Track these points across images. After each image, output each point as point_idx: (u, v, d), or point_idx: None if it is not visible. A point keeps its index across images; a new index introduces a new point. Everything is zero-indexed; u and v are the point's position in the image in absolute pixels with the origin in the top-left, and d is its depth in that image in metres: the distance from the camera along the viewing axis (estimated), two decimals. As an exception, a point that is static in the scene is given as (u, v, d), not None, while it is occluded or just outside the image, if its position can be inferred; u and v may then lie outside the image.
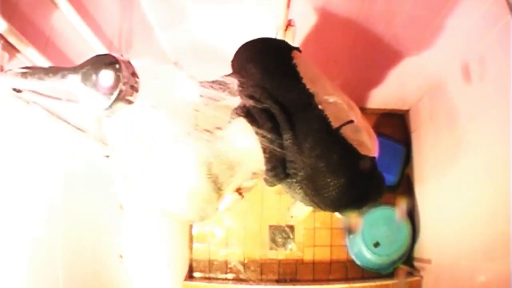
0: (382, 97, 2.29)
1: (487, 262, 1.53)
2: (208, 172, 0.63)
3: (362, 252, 2.13)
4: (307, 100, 0.80)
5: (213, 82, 0.72)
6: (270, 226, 2.36)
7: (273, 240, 2.35)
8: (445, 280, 1.88)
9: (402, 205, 2.15)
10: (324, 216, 2.36)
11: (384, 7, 1.55)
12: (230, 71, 1.00)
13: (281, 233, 2.36)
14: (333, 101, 0.82)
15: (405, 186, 2.34)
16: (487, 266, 1.53)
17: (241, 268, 2.32)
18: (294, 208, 2.29)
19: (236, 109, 0.78)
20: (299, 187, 0.81)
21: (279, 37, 1.38)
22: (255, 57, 0.87)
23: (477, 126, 1.66)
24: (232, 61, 0.92)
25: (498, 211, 1.46)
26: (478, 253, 1.60)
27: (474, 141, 1.68)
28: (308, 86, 0.82)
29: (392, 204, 2.16)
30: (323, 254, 2.35)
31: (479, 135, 1.65)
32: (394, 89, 2.21)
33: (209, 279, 2.31)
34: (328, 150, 0.76)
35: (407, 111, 2.45)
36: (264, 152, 0.74)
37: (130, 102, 0.51)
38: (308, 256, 2.35)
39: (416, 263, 2.21)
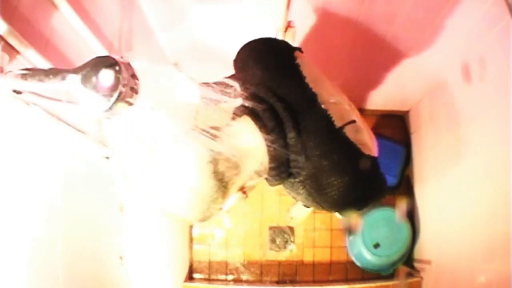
0: (382, 98, 2.29)
1: (487, 263, 1.53)
2: (213, 170, 0.63)
3: (362, 253, 2.13)
4: (311, 99, 0.80)
5: (213, 83, 0.72)
6: (270, 227, 2.36)
7: (273, 241, 2.35)
8: (445, 280, 1.88)
9: (402, 205, 2.15)
10: (324, 217, 2.36)
11: (384, 8, 1.55)
12: (230, 71, 1.01)
13: (281, 234, 2.36)
14: (335, 101, 0.83)
15: (405, 187, 2.34)
16: (487, 267, 1.53)
17: (241, 269, 2.32)
18: (294, 209, 2.29)
19: (239, 107, 0.78)
20: (302, 187, 0.81)
21: (279, 38, 1.39)
22: (259, 56, 0.87)
23: (477, 126, 1.66)
24: (235, 60, 0.92)
25: (498, 211, 1.46)
26: (478, 253, 1.60)
27: (474, 142, 1.68)
28: (311, 86, 0.82)
29: (392, 205, 2.16)
30: (323, 255, 2.35)
31: (479, 136, 1.65)
32: (394, 90, 2.21)
33: (209, 280, 2.31)
34: (332, 149, 0.76)
35: (407, 112, 2.45)
36: (268, 150, 0.74)
37: (130, 103, 0.51)
38: (308, 257, 2.35)
39: (416, 264, 2.21)
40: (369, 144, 0.83)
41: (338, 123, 0.79)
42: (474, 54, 1.64)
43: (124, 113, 0.52)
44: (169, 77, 0.61)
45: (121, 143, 0.59)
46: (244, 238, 2.36)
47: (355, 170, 0.77)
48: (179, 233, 2.21)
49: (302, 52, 0.92)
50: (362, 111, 2.39)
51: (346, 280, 2.31)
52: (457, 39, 1.65)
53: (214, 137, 0.62)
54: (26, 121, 0.79)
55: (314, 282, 2.33)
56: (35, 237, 0.83)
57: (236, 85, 0.78)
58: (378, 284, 2.20)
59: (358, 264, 2.25)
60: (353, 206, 0.83)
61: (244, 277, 2.33)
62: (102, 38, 1.09)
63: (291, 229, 2.36)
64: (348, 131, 0.79)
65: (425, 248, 2.15)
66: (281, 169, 0.77)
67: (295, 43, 1.04)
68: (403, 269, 2.17)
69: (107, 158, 1.11)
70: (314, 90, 0.82)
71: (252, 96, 0.78)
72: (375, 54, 1.87)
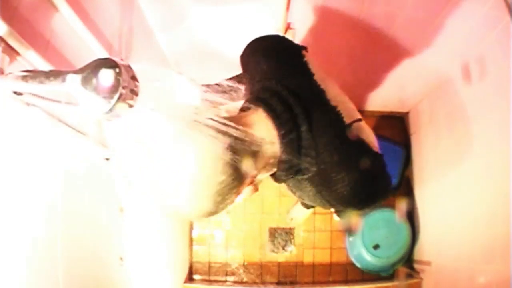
0: (381, 99, 2.30)
1: (487, 264, 1.53)
2: (229, 157, 0.62)
3: (362, 254, 2.13)
4: (320, 95, 0.81)
5: (214, 85, 0.72)
6: (270, 229, 2.36)
7: (273, 243, 2.35)
8: (445, 281, 1.88)
9: (402, 206, 2.15)
10: (324, 218, 2.36)
11: (384, 9, 1.55)
12: (230, 72, 1.01)
13: (281, 236, 2.36)
14: (342, 99, 0.84)
15: (405, 188, 2.34)
16: (487, 268, 1.53)
17: (241, 270, 2.32)
18: (294, 210, 2.29)
19: (248, 101, 0.78)
20: (310, 184, 0.81)
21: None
22: (268, 53, 0.88)
23: (477, 127, 1.67)
24: (241, 56, 0.93)
25: (498, 212, 1.46)
26: (478, 254, 1.60)
27: (474, 142, 1.68)
28: (319, 83, 0.83)
29: (392, 206, 2.16)
30: (323, 257, 2.35)
31: (479, 137, 1.65)
32: (394, 91, 2.21)
33: (209, 281, 2.31)
34: (343, 144, 0.76)
35: (407, 113, 2.45)
36: (282, 142, 0.73)
37: (130, 105, 0.51)
38: (308, 258, 2.35)
39: (416, 265, 2.21)
40: (374, 143, 0.84)
41: (347, 120, 0.80)
42: (474, 55, 1.64)
43: (125, 115, 0.52)
44: (169, 78, 0.61)
45: (121, 145, 0.59)
46: (244, 239, 2.36)
47: (365, 167, 0.77)
48: (179, 234, 2.21)
49: (307, 51, 0.93)
50: (361, 112, 2.38)
51: (346, 281, 2.31)
52: (457, 40, 1.65)
53: (226, 126, 0.62)
54: (26, 122, 0.79)
55: (314, 283, 2.33)
56: (35, 237, 0.84)
57: (236, 86, 0.79)
58: (378, 285, 2.20)
59: (358, 265, 2.25)
60: (362, 204, 0.83)
61: (244, 278, 2.33)
62: (102, 39, 1.09)
63: (291, 230, 2.36)
64: (356, 129, 0.81)
65: (425, 249, 2.15)
66: (293, 163, 0.75)
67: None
68: (403, 270, 2.18)
69: (107, 159, 1.11)
70: (322, 87, 0.82)
71: (264, 90, 0.79)
72: (375, 55, 1.87)
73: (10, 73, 0.63)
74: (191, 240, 2.35)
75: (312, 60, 0.88)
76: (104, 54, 1.07)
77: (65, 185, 0.94)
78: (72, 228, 0.97)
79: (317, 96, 0.81)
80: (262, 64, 0.86)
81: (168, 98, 0.59)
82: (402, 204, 2.16)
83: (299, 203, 2.21)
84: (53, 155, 0.90)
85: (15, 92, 0.70)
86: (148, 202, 1.45)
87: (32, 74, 0.59)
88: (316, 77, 0.84)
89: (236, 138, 0.63)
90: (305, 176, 0.80)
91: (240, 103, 0.80)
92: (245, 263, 2.34)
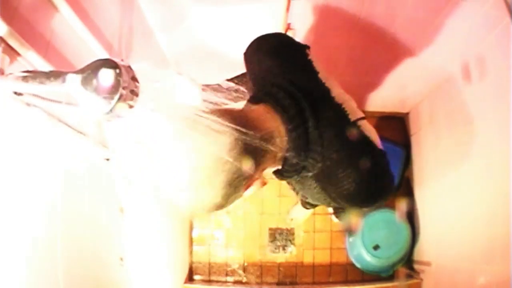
0: (381, 100, 2.30)
1: (487, 264, 1.53)
2: (236, 150, 0.62)
3: (362, 254, 2.13)
4: (325, 93, 0.82)
5: (214, 86, 0.72)
6: (270, 229, 2.36)
7: (273, 243, 2.35)
8: (445, 282, 1.88)
9: (401, 207, 2.15)
10: (324, 218, 2.36)
11: (384, 9, 1.55)
12: (230, 72, 1.01)
13: (281, 236, 2.36)
14: (345, 98, 0.84)
15: (405, 189, 2.34)
16: (487, 268, 1.53)
17: (241, 271, 2.32)
18: (294, 210, 2.30)
19: (255, 96, 0.78)
20: (314, 181, 0.81)
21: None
22: (273, 50, 0.88)
23: (477, 128, 1.67)
24: (245, 54, 0.93)
25: (498, 212, 1.46)
26: (478, 255, 1.60)
27: (474, 143, 1.68)
28: (323, 81, 0.83)
29: (392, 206, 2.16)
30: (323, 257, 2.35)
31: (479, 137, 1.65)
32: (394, 92, 2.21)
33: (209, 281, 2.31)
34: (349, 141, 0.77)
35: (407, 113, 2.45)
36: (290, 136, 0.73)
37: (130, 106, 0.51)
38: (308, 259, 2.35)
39: (416, 266, 2.21)
40: (378, 140, 0.84)
41: (351, 118, 0.80)
42: (474, 55, 1.64)
43: (125, 116, 0.52)
44: (169, 79, 0.61)
45: (122, 145, 0.60)
46: (244, 239, 2.36)
47: (371, 163, 0.77)
48: (179, 234, 2.21)
49: (310, 50, 0.93)
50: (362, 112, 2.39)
51: (346, 282, 2.31)
52: (457, 40, 1.66)
53: (234, 118, 0.62)
54: (26, 122, 0.79)
55: (314, 283, 2.33)
56: (35, 237, 0.84)
57: (237, 86, 0.79)
58: (378, 285, 2.20)
59: (358, 265, 2.25)
60: (368, 200, 0.83)
61: (244, 279, 2.33)
62: (102, 39, 1.09)
63: (291, 230, 2.36)
64: (361, 126, 0.81)
65: (425, 250, 2.15)
66: (299, 158, 0.75)
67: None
68: (403, 271, 2.18)
69: (107, 159, 1.11)
70: (327, 85, 0.83)
71: (271, 85, 0.79)
72: (375, 55, 1.87)
73: (10, 73, 0.63)
74: (191, 240, 2.35)
75: (315, 59, 0.89)
76: (104, 55, 1.07)
77: (65, 185, 0.94)
78: (72, 228, 0.97)
79: (323, 93, 0.82)
80: (267, 61, 0.86)
81: (168, 98, 0.59)
82: (402, 205, 2.16)
83: (299, 204, 2.21)
84: (53, 155, 0.90)
85: (15, 93, 0.70)
86: (151, 201, 1.46)
87: (33, 75, 0.59)
88: (320, 75, 0.84)
89: (243, 131, 0.63)
90: (310, 173, 0.80)
91: (241, 103, 0.80)
92: (245, 264, 2.34)
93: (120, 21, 1.29)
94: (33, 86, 0.58)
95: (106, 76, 0.50)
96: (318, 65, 0.87)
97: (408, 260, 2.21)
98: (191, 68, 1.90)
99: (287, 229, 2.36)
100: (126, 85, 0.50)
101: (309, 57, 0.88)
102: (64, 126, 0.90)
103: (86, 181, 1.08)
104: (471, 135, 1.71)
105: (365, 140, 0.80)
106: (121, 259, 1.25)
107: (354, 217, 2.04)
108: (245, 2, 1.50)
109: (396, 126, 2.48)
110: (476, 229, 1.64)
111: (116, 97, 0.50)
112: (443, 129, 1.99)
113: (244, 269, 2.34)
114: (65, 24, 0.93)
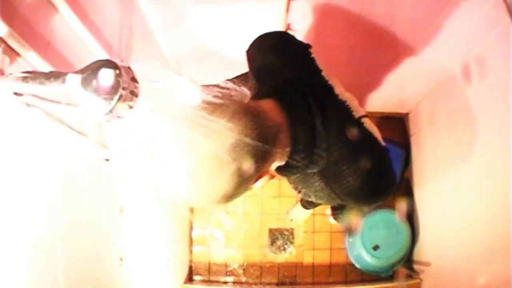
0: (381, 100, 2.30)
1: (487, 264, 1.53)
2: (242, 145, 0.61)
3: (362, 255, 2.13)
4: (329, 90, 0.82)
5: (214, 86, 0.72)
6: (270, 229, 2.36)
7: (273, 243, 2.35)
8: (445, 282, 1.88)
9: (401, 207, 2.15)
10: (324, 219, 2.36)
11: (383, 9, 1.56)
12: (230, 72, 1.01)
13: (281, 236, 2.36)
14: (347, 96, 0.85)
15: (404, 189, 2.34)
16: (487, 268, 1.53)
17: (241, 271, 2.32)
18: (293, 211, 2.30)
19: (261, 92, 0.78)
20: (318, 178, 0.81)
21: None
22: (277, 47, 0.90)
23: (477, 128, 1.67)
24: (248, 51, 0.93)
25: (498, 212, 1.46)
26: (477, 255, 1.61)
27: (474, 143, 1.68)
28: (327, 79, 0.84)
29: (392, 207, 2.16)
30: (322, 257, 2.35)
31: (479, 137, 1.65)
32: (394, 92, 2.21)
33: (208, 282, 2.31)
34: (354, 137, 0.77)
35: (407, 114, 2.45)
36: (296, 130, 0.73)
37: (130, 107, 0.51)
38: (307, 259, 2.35)
39: (415, 266, 2.21)
40: (380, 137, 0.84)
41: (355, 115, 0.81)
42: (474, 55, 1.65)
43: (124, 116, 0.53)
44: (169, 79, 0.61)
45: (122, 145, 0.60)
46: (244, 240, 2.36)
47: (376, 159, 0.79)
48: (179, 234, 2.21)
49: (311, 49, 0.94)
50: (361, 113, 2.39)
51: (346, 282, 2.31)
52: (457, 40, 1.66)
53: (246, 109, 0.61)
54: (26, 123, 0.79)
55: (314, 284, 2.33)
56: (35, 237, 0.84)
57: (237, 86, 0.79)
58: (378, 286, 2.20)
59: (358, 266, 2.25)
60: (373, 196, 0.84)
61: (243, 279, 2.33)
62: (102, 40, 1.09)
63: (291, 231, 2.36)
64: (365, 123, 0.82)
65: (424, 250, 2.15)
66: (306, 153, 0.75)
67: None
68: (403, 271, 2.18)
69: (107, 160, 1.11)
70: (330, 82, 0.84)
71: (277, 81, 0.80)
72: (374, 55, 1.87)
73: (10, 74, 0.63)
74: (191, 241, 2.35)
75: (317, 57, 0.90)
76: (104, 55, 1.08)
77: (65, 185, 0.94)
78: (72, 228, 0.97)
79: (327, 90, 0.82)
80: (271, 58, 0.87)
81: (168, 98, 0.59)
82: (401, 205, 2.16)
83: (298, 204, 2.21)
84: (53, 156, 0.91)
85: (15, 93, 0.70)
86: (151, 201, 1.46)
87: (32, 75, 0.59)
88: (323, 73, 0.85)
89: (257, 121, 0.63)
90: (314, 170, 0.80)
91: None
92: (245, 264, 2.34)
93: (120, 22, 1.29)
94: (33, 87, 0.58)
95: (106, 77, 0.50)
96: (319, 63, 0.88)
97: (407, 261, 2.21)
98: (191, 68, 1.90)
99: (287, 230, 2.36)
100: (126, 86, 0.50)
101: (312, 55, 0.89)
102: (64, 126, 0.90)
103: (86, 181, 1.08)
104: (471, 135, 1.71)
105: (369, 137, 0.81)
106: (121, 259, 1.25)
107: (353, 218, 2.04)
108: (245, 3, 1.50)
109: (396, 126, 2.48)
110: (476, 229, 1.64)
111: (116, 97, 0.50)
112: (443, 129, 1.99)
113: (244, 270, 2.34)
114: (65, 24, 0.93)
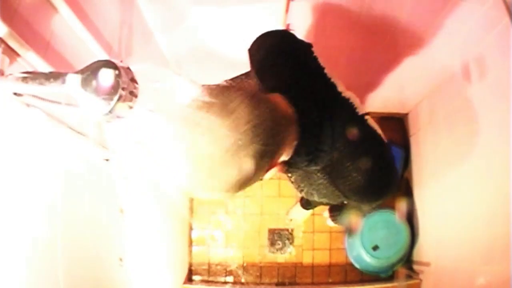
0: (381, 100, 2.29)
1: (487, 265, 1.53)
2: (254, 135, 0.60)
3: (361, 255, 2.13)
4: (333, 88, 0.83)
5: (213, 86, 0.72)
6: (270, 229, 2.36)
7: (273, 243, 2.35)
8: (445, 283, 1.88)
9: (401, 207, 2.15)
10: (323, 219, 2.36)
11: (383, 10, 1.56)
12: (230, 72, 1.01)
13: (281, 236, 2.36)
14: (350, 94, 0.85)
15: (404, 189, 2.34)
16: (486, 269, 1.53)
17: (240, 271, 2.32)
18: (293, 211, 2.29)
19: (265, 89, 0.78)
20: (322, 175, 0.82)
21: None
22: (279, 45, 0.90)
23: (477, 128, 1.67)
24: (250, 49, 0.94)
25: (498, 212, 1.46)
26: (477, 255, 1.60)
27: (474, 143, 1.68)
28: (330, 77, 0.85)
29: (391, 207, 2.16)
30: (322, 258, 2.35)
31: (479, 137, 1.65)
32: (394, 92, 2.21)
33: (208, 282, 2.30)
34: (358, 133, 0.77)
35: (406, 114, 2.45)
36: (301, 128, 0.72)
37: (129, 107, 0.51)
38: (307, 259, 2.35)
39: (415, 266, 2.21)
40: (383, 135, 0.85)
41: (359, 112, 0.82)
42: (473, 55, 1.64)
43: (124, 116, 0.53)
44: (169, 79, 0.61)
45: (121, 145, 0.60)
46: (244, 240, 2.36)
47: (380, 155, 0.79)
48: (179, 234, 2.21)
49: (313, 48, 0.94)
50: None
51: (345, 282, 2.31)
52: (457, 40, 1.66)
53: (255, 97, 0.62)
54: (26, 123, 0.79)
55: (313, 284, 2.33)
56: (35, 237, 0.84)
57: (236, 87, 0.79)
58: (377, 286, 2.20)
59: (357, 266, 2.25)
60: (377, 193, 0.84)
61: (243, 279, 2.33)
62: (101, 40, 1.09)
63: (291, 231, 2.36)
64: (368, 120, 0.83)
65: (424, 250, 2.15)
66: (310, 149, 0.75)
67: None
68: (402, 271, 2.18)
69: (107, 160, 1.11)
70: (333, 80, 0.84)
71: (281, 78, 0.80)
72: (374, 56, 1.87)
73: (10, 74, 0.63)
74: (190, 241, 2.35)
75: (319, 56, 0.90)
76: (103, 56, 1.08)
77: (65, 185, 0.94)
78: (72, 228, 0.98)
79: (331, 88, 0.83)
80: (274, 56, 0.87)
81: (167, 99, 0.59)
82: (401, 205, 2.16)
83: (298, 204, 2.21)
84: (53, 156, 0.91)
85: (15, 93, 0.70)
86: (151, 201, 1.46)
87: (32, 76, 0.59)
88: (326, 71, 0.86)
89: (268, 112, 0.62)
90: (319, 167, 0.80)
91: None
92: (245, 264, 2.34)
93: (119, 22, 1.29)
94: (33, 87, 0.58)
95: (106, 77, 0.50)
96: (321, 61, 0.88)
97: (407, 261, 2.21)
98: (191, 68, 1.90)
99: (286, 230, 2.36)
100: (126, 86, 0.50)
101: (314, 54, 0.89)
102: (64, 126, 0.90)
103: (86, 181, 1.08)
104: (471, 135, 1.70)
105: (373, 133, 0.81)
106: (121, 259, 1.25)
107: (353, 218, 2.04)
108: (245, 3, 1.50)
109: (396, 126, 2.48)
110: (476, 229, 1.64)
111: (116, 98, 0.50)
112: (443, 130, 1.99)
113: (244, 270, 2.33)
114: (65, 25, 0.93)
